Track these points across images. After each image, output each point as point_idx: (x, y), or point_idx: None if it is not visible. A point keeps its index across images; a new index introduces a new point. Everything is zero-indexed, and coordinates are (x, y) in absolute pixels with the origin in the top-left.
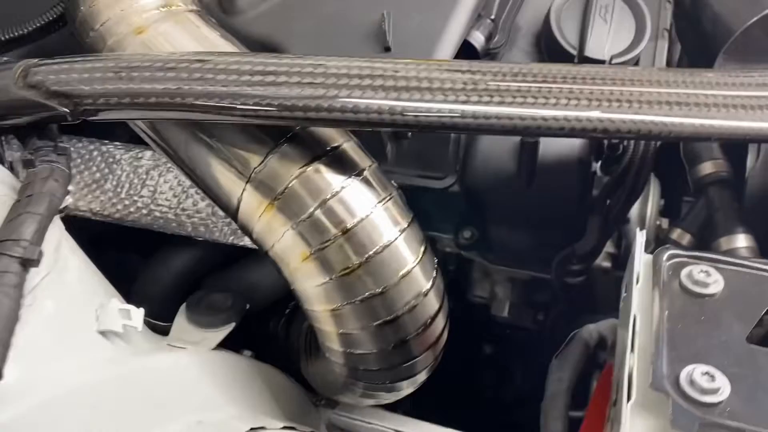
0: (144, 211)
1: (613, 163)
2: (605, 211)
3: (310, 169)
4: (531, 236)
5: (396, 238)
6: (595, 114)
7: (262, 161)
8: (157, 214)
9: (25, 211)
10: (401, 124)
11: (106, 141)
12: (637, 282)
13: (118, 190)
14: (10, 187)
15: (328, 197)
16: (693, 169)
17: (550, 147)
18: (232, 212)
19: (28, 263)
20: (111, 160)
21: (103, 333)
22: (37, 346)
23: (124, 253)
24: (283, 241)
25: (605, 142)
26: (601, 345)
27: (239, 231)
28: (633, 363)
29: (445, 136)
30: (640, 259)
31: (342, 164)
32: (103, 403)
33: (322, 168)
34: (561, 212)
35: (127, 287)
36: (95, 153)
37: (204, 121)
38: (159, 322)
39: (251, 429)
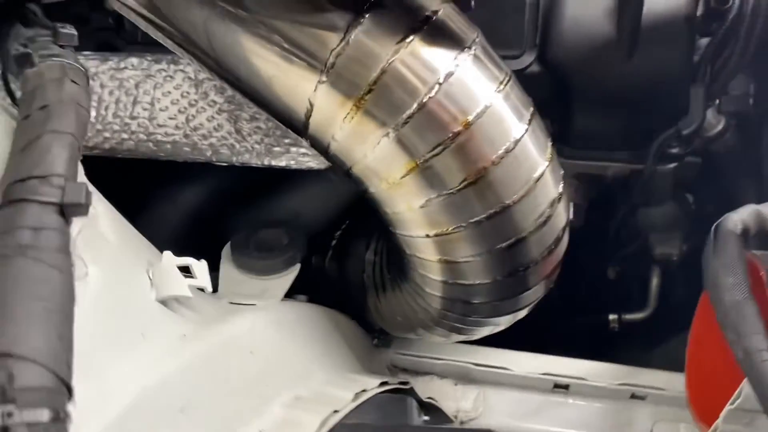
0: (142, 136)
1: (716, 19)
2: (708, 80)
3: (405, 48)
4: (627, 119)
5: (524, 132)
6: None
7: (341, 41)
8: (161, 137)
9: (45, 131)
10: None
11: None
12: None
13: (102, 113)
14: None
15: (435, 86)
16: None
17: (653, 3)
18: (299, 123)
19: (71, 210)
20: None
21: (163, 302)
22: (94, 339)
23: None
24: (378, 152)
25: None
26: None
27: (276, 149)
28: None
29: (519, 0)
30: None
31: (445, 37)
32: (191, 398)
33: (421, 45)
34: (665, 85)
35: None
36: None
37: None
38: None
39: (355, 395)
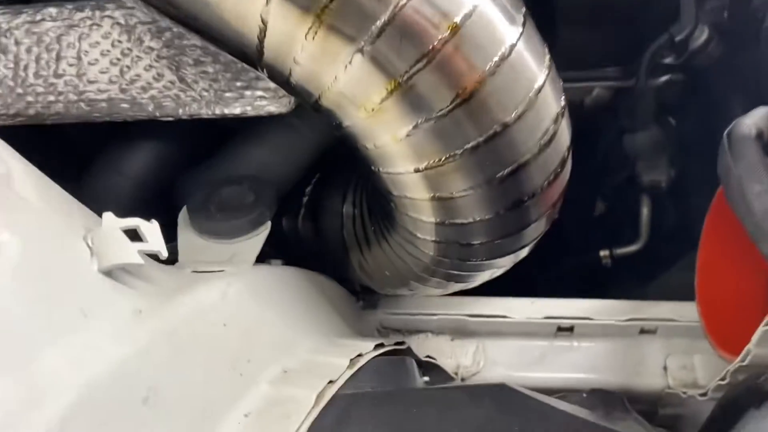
0: (72, 96)
1: None
2: None
3: None
4: (615, 30)
5: (519, 37)
6: None
7: None
8: (93, 95)
9: None
10: None
11: None
12: None
13: (21, 73)
14: None
15: None
16: None
17: None
18: (251, 49)
19: None
20: None
21: (108, 273)
22: (17, 322)
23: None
24: (351, 74)
25: None
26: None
27: (227, 94)
28: None
29: None
30: None
31: None
32: (155, 385)
33: None
34: None
35: None
36: None
37: None
38: None
39: (350, 361)
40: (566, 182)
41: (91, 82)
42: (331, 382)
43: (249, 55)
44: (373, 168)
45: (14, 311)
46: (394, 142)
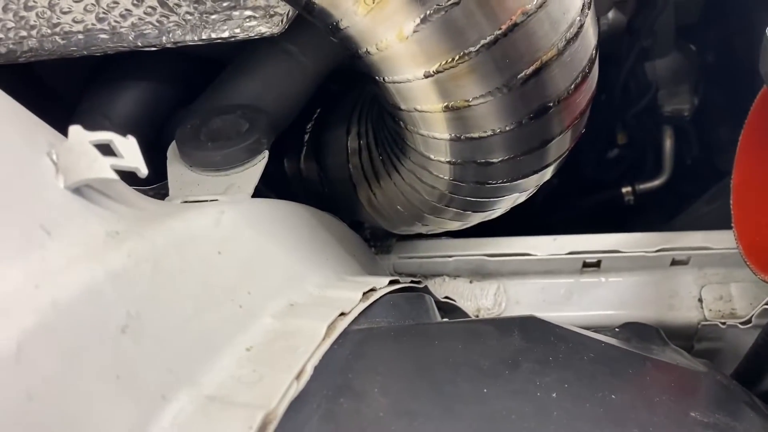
0: (45, 30)
1: None
2: None
3: None
4: None
5: None
6: None
7: None
8: (69, 27)
9: None
10: None
11: None
12: None
13: None
14: None
15: None
16: None
17: None
18: None
19: None
20: None
21: (77, 191)
22: None
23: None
24: None
25: None
26: None
27: (213, 16)
28: None
29: None
30: None
31: None
32: (138, 312)
33: None
34: None
35: None
36: None
37: None
38: (143, 187)
39: (363, 294)
40: (594, 87)
41: (64, 13)
42: (342, 314)
43: None
44: (377, 78)
45: None
46: (399, 40)
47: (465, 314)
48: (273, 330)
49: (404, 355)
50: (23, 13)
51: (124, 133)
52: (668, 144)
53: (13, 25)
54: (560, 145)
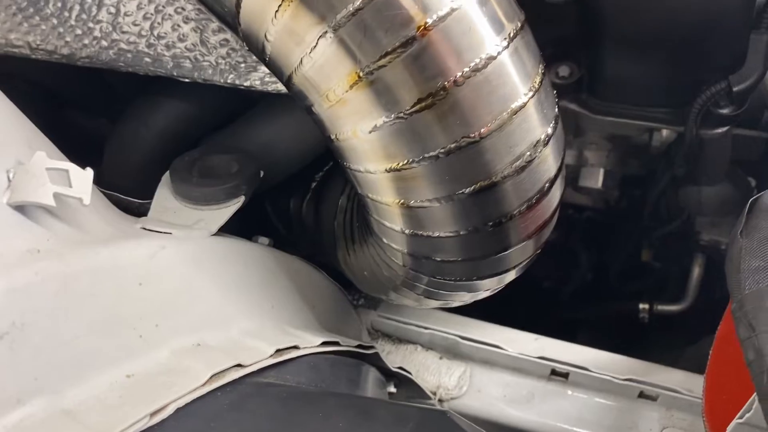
0: (104, 43)
1: None
2: None
3: None
4: (669, 66)
5: (503, 49)
6: None
7: None
8: (123, 45)
9: None
10: None
11: None
12: None
13: (66, 14)
14: None
15: None
16: None
17: None
18: (230, 14)
19: None
20: None
21: (19, 208)
22: None
23: (92, 117)
24: (316, 56)
25: None
26: None
27: (242, 66)
28: None
29: None
30: None
31: None
32: (23, 324)
33: None
34: (720, 26)
35: (98, 160)
36: None
37: None
38: (130, 199)
39: (277, 350)
40: (553, 210)
41: (123, 33)
42: (240, 366)
43: (228, 20)
44: (342, 162)
45: None
46: (356, 136)
47: (418, 388)
48: (164, 364)
49: (279, 417)
50: (90, 25)
51: (156, 142)
52: (696, 272)
53: (80, 32)
54: (517, 256)
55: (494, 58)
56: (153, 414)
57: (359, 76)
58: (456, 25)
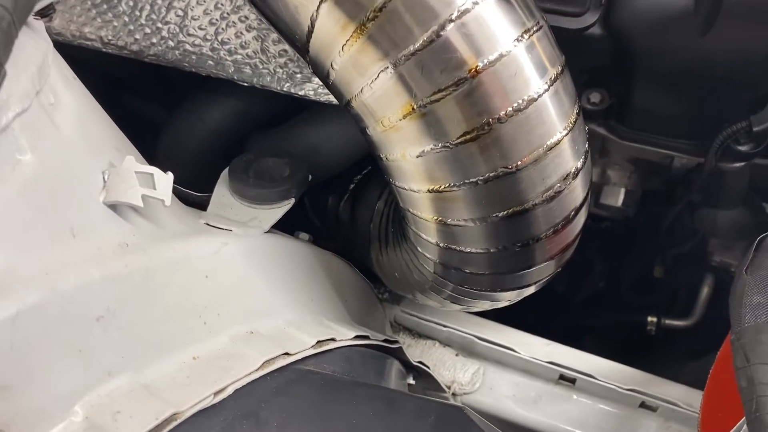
0: (171, 43)
1: None
2: None
3: None
4: (693, 103)
5: (544, 91)
6: None
7: None
8: (188, 47)
9: None
10: None
11: None
12: None
13: (137, 13)
14: None
15: (446, 21)
16: None
17: None
18: (300, 42)
19: None
20: None
21: (112, 206)
22: (10, 225)
23: (146, 101)
24: (377, 87)
25: None
26: None
27: (297, 76)
28: None
29: None
30: None
31: None
32: (115, 309)
33: None
34: (744, 69)
35: (150, 147)
36: None
37: None
38: (190, 192)
39: (317, 342)
40: (573, 238)
41: (189, 35)
42: (287, 354)
43: (299, 48)
44: (387, 178)
45: (10, 217)
46: (404, 159)
47: (435, 382)
48: (223, 349)
49: (318, 403)
50: (159, 25)
51: (209, 137)
52: (705, 292)
53: (149, 31)
54: (539, 273)
55: (535, 100)
56: (216, 393)
57: (413, 108)
58: (504, 69)
